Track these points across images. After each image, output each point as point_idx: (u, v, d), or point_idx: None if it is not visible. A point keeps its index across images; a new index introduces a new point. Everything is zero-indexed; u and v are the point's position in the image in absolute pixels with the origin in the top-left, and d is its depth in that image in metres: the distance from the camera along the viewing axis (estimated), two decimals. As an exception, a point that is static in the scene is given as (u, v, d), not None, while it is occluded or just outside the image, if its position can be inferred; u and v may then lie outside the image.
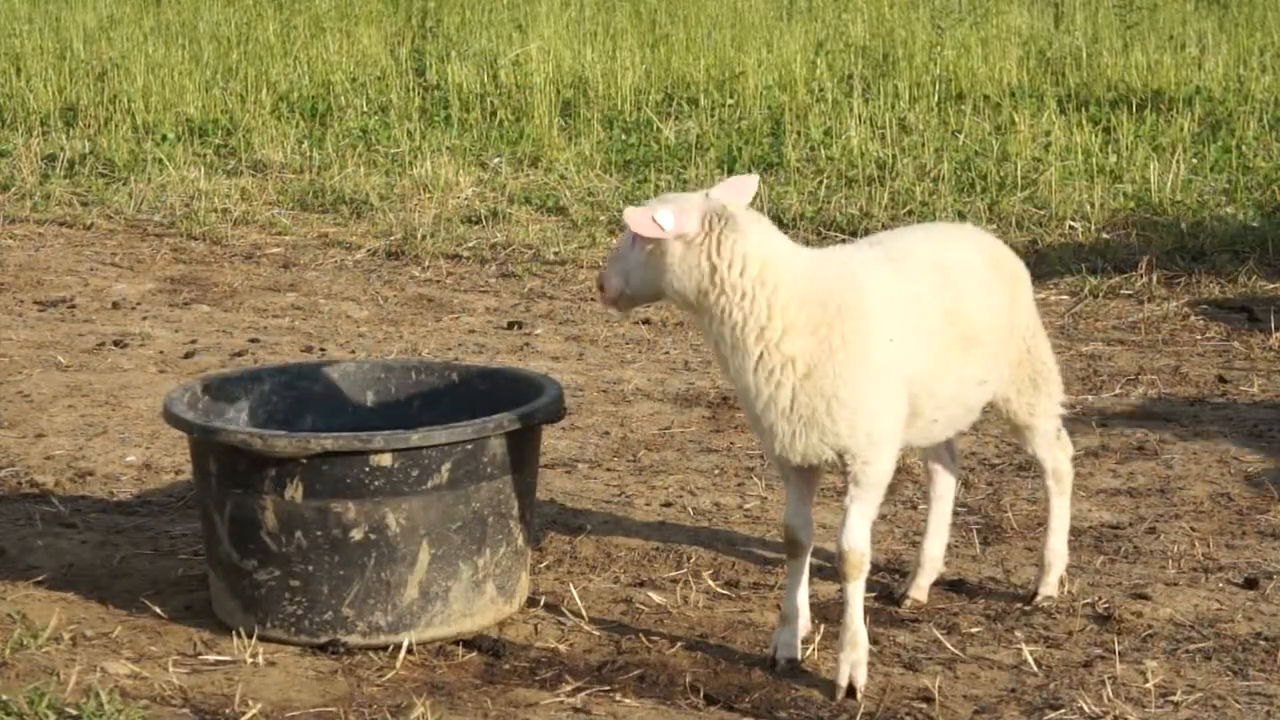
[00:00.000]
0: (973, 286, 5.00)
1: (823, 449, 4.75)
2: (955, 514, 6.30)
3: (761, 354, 4.65)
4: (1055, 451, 5.44)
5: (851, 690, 4.78)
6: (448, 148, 12.75)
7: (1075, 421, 7.27)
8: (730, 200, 4.73)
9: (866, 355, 4.67)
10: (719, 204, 4.69)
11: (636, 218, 4.61)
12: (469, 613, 5.18)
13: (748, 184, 4.87)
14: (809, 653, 5.04)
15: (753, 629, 5.25)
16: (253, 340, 8.80)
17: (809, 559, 5.01)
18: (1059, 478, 5.47)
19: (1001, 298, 5.10)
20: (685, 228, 4.62)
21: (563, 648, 5.13)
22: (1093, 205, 10.78)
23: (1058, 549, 5.49)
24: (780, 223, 10.57)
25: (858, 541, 4.78)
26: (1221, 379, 7.97)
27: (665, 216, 4.61)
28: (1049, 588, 5.45)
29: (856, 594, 4.82)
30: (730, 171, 11.91)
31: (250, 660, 5.01)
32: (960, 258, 5.05)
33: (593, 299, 4.75)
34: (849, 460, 4.75)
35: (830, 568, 5.76)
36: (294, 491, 5.00)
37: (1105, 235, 10.38)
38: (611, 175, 12.12)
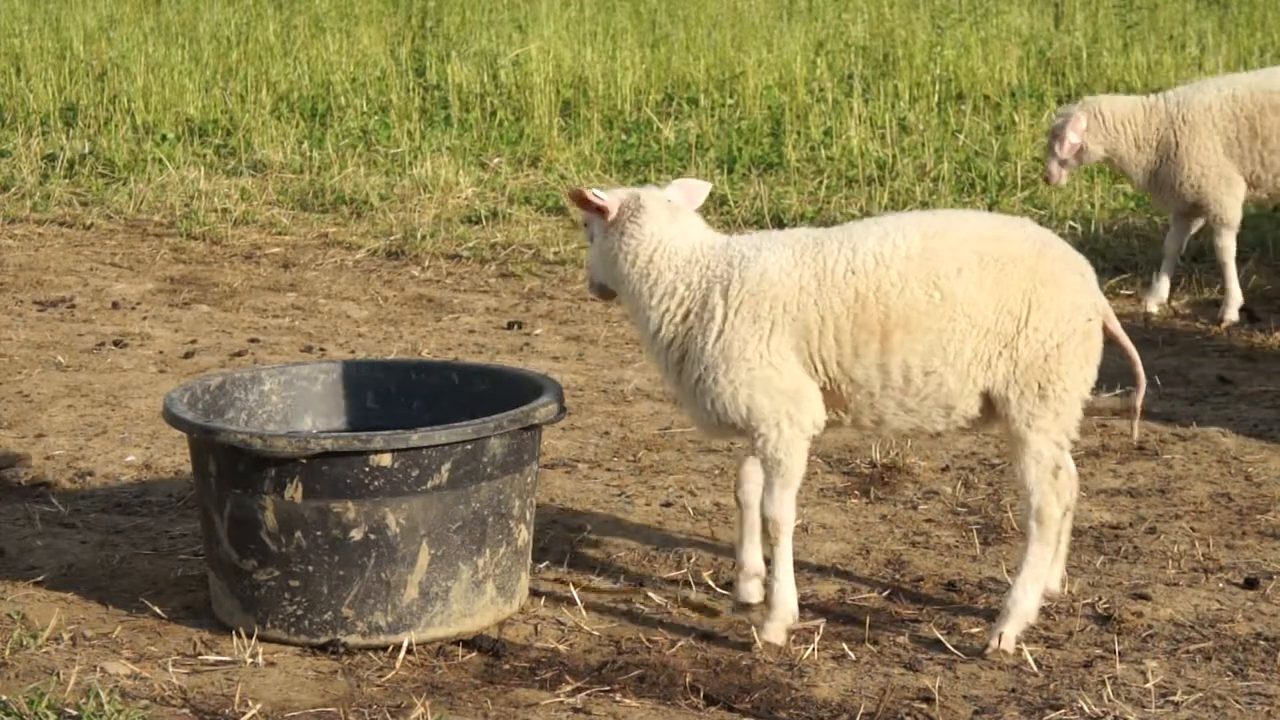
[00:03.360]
0: (908, 273, 4.90)
1: (721, 429, 5.12)
2: (955, 514, 6.31)
3: (654, 336, 5.11)
4: (1045, 488, 4.98)
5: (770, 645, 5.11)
6: (448, 148, 12.75)
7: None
8: (672, 194, 5.16)
9: (727, 340, 4.97)
10: (643, 192, 5.15)
11: (576, 189, 5.14)
12: (469, 613, 5.18)
13: (698, 187, 5.30)
14: (809, 652, 5.04)
15: (753, 629, 5.24)
16: (253, 340, 8.80)
17: (755, 517, 5.28)
18: (1041, 520, 5.00)
19: (971, 288, 4.89)
20: (609, 204, 5.10)
21: (563, 648, 5.13)
22: (1093, 205, 10.79)
23: (1018, 598, 5.03)
24: (780, 223, 10.59)
25: (770, 510, 5.07)
26: (1222, 379, 7.97)
27: (598, 192, 5.12)
28: (1002, 641, 5.02)
29: (778, 554, 5.10)
30: (730, 172, 11.92)
31: (250, 660, 5.01)
32: (904, 244, 4.93)
33: (593, 299, 5.08)
34: (751, 437, 5.06)
35: (830, 568, 5.76)
36: (294, 492, 5.00)
37: (1105, 235, 10.37)
38: (611, 175, 12.12)
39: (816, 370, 4.98)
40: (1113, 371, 7.88)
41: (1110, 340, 5.17)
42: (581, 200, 5.13)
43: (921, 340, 4.90)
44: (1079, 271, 5.07)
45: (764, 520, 5.10)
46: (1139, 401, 5.28)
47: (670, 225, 5.10)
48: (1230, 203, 8.94)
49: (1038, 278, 4.96)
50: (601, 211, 5.12)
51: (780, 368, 4.95)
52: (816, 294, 4.94)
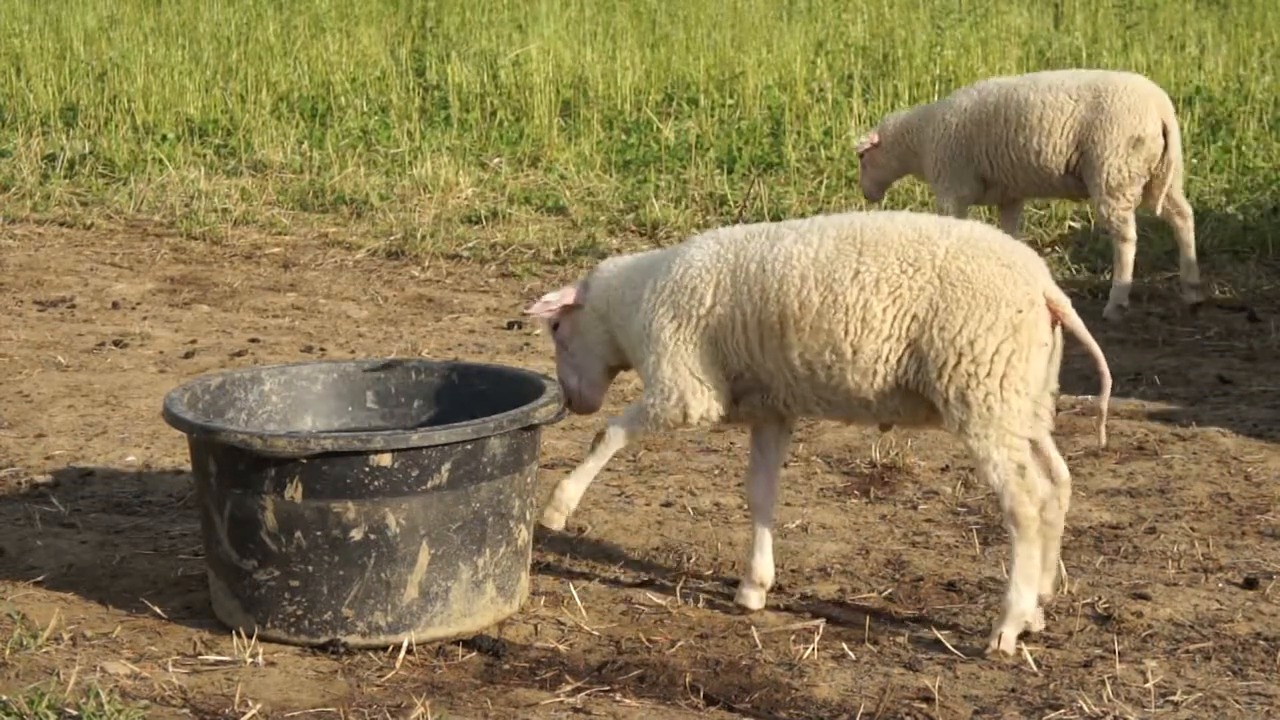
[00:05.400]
0: (809, 273, 4.98)
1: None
2: (955, 514, 6.31)
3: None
4: (1013, 489, 4.93)
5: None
6: (448, 148, 12.75)
7: (1076, 421, 7.27)
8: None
9: (646, 319, 5.21)
10: (592, 269, 5.50)
11: (534, 309, 5.50)
12: (469, 613, 5.18)
13: None
14: (809, 652, 5.04)
15: (753, 629, 5.25)
16: (253, 340, 8.80)
17: (764, 524, 5.41)
18: (1017, 521, 4.95)
19: (866, 292, 4.91)
20: (566, 299, 5.43)
21: (563, 648, 5.13)
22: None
23: (1012, 599, 5.00)
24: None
25: (610, 430, 5.32)
26: (1222, 379, 7.97)
27: (547, 296, 5.48)
28: (1001, 641, 5.01)
29: (591, 460, 5.34)
30: (730, 172, 11.91)
31: (250, 660, 5.01)
32: (815, 244, 5.02)
33: (574, 413, 5.41)
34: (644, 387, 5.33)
35: (830, 568, 5.76)
36: (294, 492, 5.00)
37: (1105, 235, 10.37)
38: (611, 175, 12.12)
39: (732, 360, 5.15)
40: (1112, 371, 7.90)
41: (1073, 339, 5.06)
42: (544, 309, 5.45)
43: (815, 339, 4.99)
44: (1006, 264, 4.91)
45: (603, 432, 5.32)
46: (1104, 403, 5.16)
47: (616, 258, 5.51)
48: (954, 202, 9.08)
49: (947, 279, 4.89)
50: (567, 306, 5.44)
51: (692, 352, 5.16)
52: (731, 289, 5.12)
